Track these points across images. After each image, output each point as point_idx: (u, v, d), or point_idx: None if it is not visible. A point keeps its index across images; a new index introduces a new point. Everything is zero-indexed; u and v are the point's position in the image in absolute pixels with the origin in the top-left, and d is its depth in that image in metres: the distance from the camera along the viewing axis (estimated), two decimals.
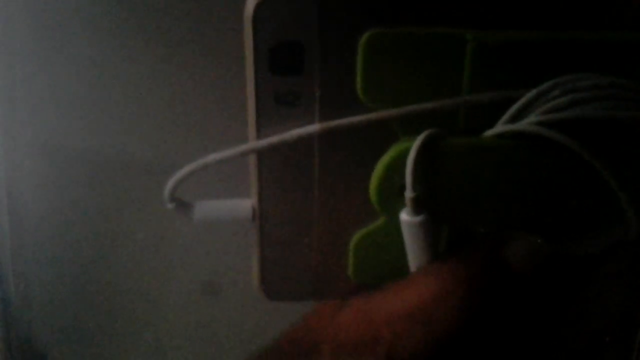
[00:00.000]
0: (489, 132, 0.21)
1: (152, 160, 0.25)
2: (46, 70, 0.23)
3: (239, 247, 0.26)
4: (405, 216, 0.21)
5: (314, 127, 0.22)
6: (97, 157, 0.26)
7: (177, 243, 0.29)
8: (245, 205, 0.24)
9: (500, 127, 0.21)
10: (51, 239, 0.27)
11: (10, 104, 0.24)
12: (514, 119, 0.21)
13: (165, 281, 0.30)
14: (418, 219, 0.21)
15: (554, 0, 0.21)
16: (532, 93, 0.21)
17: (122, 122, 0.24)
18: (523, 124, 0.21)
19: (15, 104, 0.24)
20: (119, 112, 0.24)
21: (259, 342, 0.27)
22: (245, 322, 0.30)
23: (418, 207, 0.21)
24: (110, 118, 0.24)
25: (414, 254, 0.22)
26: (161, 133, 0.24)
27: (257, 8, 0.20)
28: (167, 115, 0.24)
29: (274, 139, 0.22)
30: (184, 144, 0.24)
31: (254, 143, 0.22)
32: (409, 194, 0.20)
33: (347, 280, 0.24)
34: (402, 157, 0.21)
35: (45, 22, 0.22)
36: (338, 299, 0.24)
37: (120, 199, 0.27)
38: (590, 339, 0.21)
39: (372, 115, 0.21)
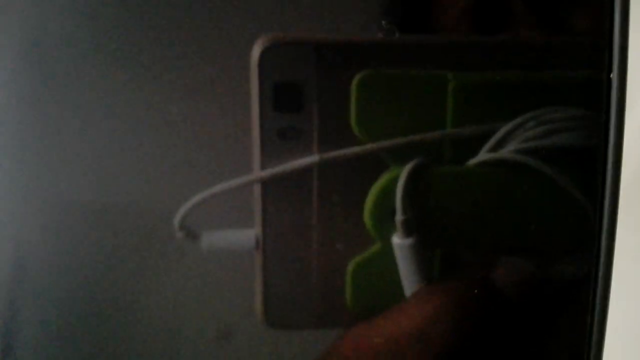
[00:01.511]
0: (472, 161, 0.23)
1: (160, 203, 0.26)
2: (52, 120, 0.25)
3: (245, 278, 0.27)
4: (397, 239, 0.23)
5: (312, 158, 0.24)
6: (104, 206, 0.27)
7: (186, 283, 0.29)
8: (249, 234, 0.25)
9: (482, 156, 0.23)
10: (59, 292, 0.28)
11: (18, 157, 0.26)
12: (495, 148, 0.23)
13: (174, 324, 0.30)
14: (408, 241, 0.22)
15: (524, 46, 0.23)
16: (511, 124, 0.23)
17: (129, 167, 0.26)
18: (503, 153, 0.23)
19: (21, 153, 0.25)
20: (127, 155, 0.26)
21: None
22: (257, 356, 0.30)
23: (408, 229, 0.22)
24: (118, 163, 0.26)
25: (406, 277, 0.23)
26: (171, 170, 0.26)
27: (262, 53, 0.23)
28: (175, 151, 0.26)
29: (277, 169, 0.24)
30: (191, 183, 0.26)
31: (258, 173, 0.24)
32: (399, 217, 0.22)
33: (347, 311, 0.25)
34: (393, 184, 0.23)
35: (46, 67, 0.24)
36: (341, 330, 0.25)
37: (129, 246, 0.28)
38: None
39: (366, 147, 0.23)
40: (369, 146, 0.23)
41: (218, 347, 0.30)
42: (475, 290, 0.22)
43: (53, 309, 0.30)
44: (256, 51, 0.23)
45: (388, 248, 0.23)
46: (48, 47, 0.25)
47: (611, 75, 0.22)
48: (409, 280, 0.23)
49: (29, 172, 0.27)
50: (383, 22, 0.22)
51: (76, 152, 0.26)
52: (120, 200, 0.27)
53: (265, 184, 0.24)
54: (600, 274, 0.22)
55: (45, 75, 0.25)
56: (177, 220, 0.25)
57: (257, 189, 0.25)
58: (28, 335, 0.30)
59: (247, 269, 0.26)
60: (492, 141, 0.23)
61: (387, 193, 0.23)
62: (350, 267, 0.25)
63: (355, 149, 0.23)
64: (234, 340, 0.30)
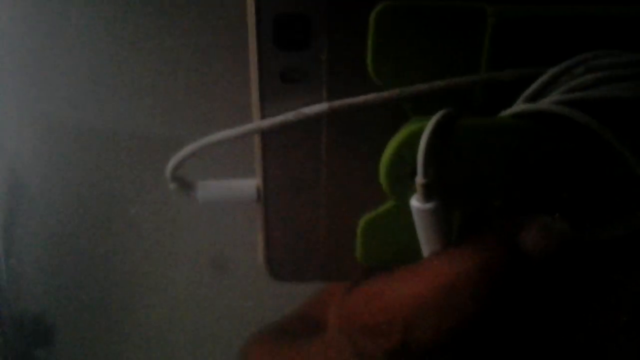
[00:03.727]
0: (507, 112, 0.20)
1: (157, 139, 0.24)
2: (51, 48, 0.22)
3: (246, 225, 0.25)
4: (415, 202, 0.20)
5: (322, 106, 0.20)
6: (102, 137, 0.25)
7: (183, 221, 0.28)
8: (249, 185, 0.23)
9: (519, 106, 0.20)
10: (53, 219, 0.27)
11: (14, 78, 0.23)
12: (534, 97, 0.20)
13: (171, 260, 0.29)
14: (429, 205, 0.20)
15: None
16: (554, 70, 0.19)
17: (126, 102, 0.23)
18: (544, 103, 0.19)
19: (19, 78, 0.23)
20: (123, 91, 0.23)
21: (266, 320, 0.27)
22: (251, 300, 0.30)
23: (429, 193, 0.20)
24: (115, 97, 0.23)
25: (425, 240, 0.21)
26: (166, 112, 0.23)
27: None
28: (172, 93, 0.23)
29: (279, 118, 0.21)
30: (189, 123, 0.23)
31: (257, 122, 0.21)
32: (420, 179, 0.19)
33: (355, 263, 0.24)
34: (413, 139, 0.20)
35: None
36: (347, 282, 0.24)
37: (123, 177, 0.26)
38: (607, 328, 0.21)
39: (384, 94, 0.20)
40: (387, 93, 0.20)
41: (213, 276, 0.29)
42: (500, 254, 0.20)
43: (49, 228, 0.29)
44: None
45: (405, 207, 0.21)
46: None
47: None
48: (427, 242, 0.21)
49: (30, 94, 0.24)
50: None
51: (76, 78, 0.24)
52: (116, 129, 0.25)
53: (266, 132, 0.21)
54: None
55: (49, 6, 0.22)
56: (169, 171, 0.22)
57: (257, 137, 0.22)
58: (25, 256, 0.29)
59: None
60: (531, 89, 0.20)
61: (407, 149, 0.20)
62: (362, 222, 0.23)
63: (371, 96, 0.20)
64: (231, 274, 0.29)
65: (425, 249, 0.21)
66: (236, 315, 0.29)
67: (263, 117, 0.21)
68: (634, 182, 0.19)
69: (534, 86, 0.19)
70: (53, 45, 0.23)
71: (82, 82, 0.24)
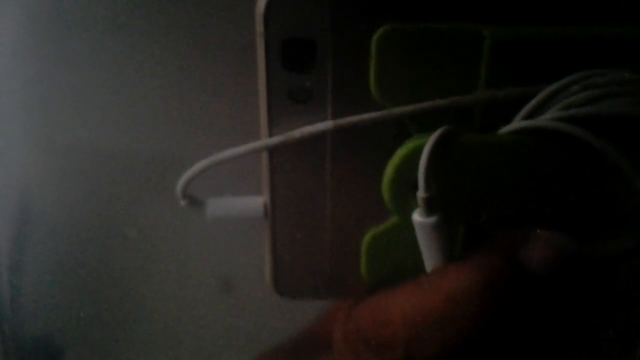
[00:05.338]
0: (506, 129, 0.20)
1: (165, 158, 0.25)
2: (58, 68, 0.23)
3: (253, 243, 0.26)
4: (417, 217, 0.21)
5: (327, 124, 0.21)
6: (110, 156, 0.26)
7: (190, 240, 0.29)
8: (257, 202, 0.24)
9: (518, 123, 0.20)
10: (63, 238, 0.27)
11: (22, 102, 0.24)
12: (532, 115, 0.20)
13: (178, 278, 0.30)
14: (431, 219, 0.20)
15: None
16: (551, 88, 0.20)
17: (134, 121, 0.24)
18: (542, 120, 0.20)
19: (28, 102, 0.24)
20: (131, 110, 0.24)
21: (273, 339, 0.27)
22: (259, 318, 0.30)
23: (431, 207, 0.20)
24: (123, 116, 0.24)
25: (428, 255, 0.21)
26: (174, 130, 0.24)
27: (269, 4, 0.20)
28: (180, 112, 0.24)
29: (286, 136, 0.21)
30: (197, 142, 0.24)
31: (266, 140, 0.22)
32: (421, 193, 0.20)
33: (360, 279, 0.24)
34: (415, 155, 0.20)
35: (53, 20, 0.22)
36: (352, 299, 0.24)
37: (130, 196, 0.27)
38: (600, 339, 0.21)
39: (386, 112, 0.21)
40: (389, 111, 0.21)
41: (220, 293, 0.30)
42: (503, 269, 0.20)
43: (58, 247, 0.29)
44: (262, 1, 0.20)
45: (407, 222, 0.21)
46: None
47: None
48: (430, 257, 0.21)
49: (39, 117, 0.25)
50: None
51: (84, 99, 0.25)
52: (124, 149, 0.26)
53: (274, 149, 0.22)
54: None
55: (56, 26, 0.23)
56: (179, 188, 0.23)
57: (264, 155, 0.23)
58: (31, 279, 0.30)
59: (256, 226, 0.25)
60: (529, 106, 0.20)
61: (409, 164, 0.20)
62: (366, 239, 0.23)
63: (374, 115, 0.21)
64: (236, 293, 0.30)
65: (428, 264, 0.21)
66: (243, 332, 0.30)
67: (271, 135, 0.22)
68: (633, 196, 0.20)
69: (532, 103, 0.20)
70: (59, 68, 0.24)
71: (90, 103, 0.25)
